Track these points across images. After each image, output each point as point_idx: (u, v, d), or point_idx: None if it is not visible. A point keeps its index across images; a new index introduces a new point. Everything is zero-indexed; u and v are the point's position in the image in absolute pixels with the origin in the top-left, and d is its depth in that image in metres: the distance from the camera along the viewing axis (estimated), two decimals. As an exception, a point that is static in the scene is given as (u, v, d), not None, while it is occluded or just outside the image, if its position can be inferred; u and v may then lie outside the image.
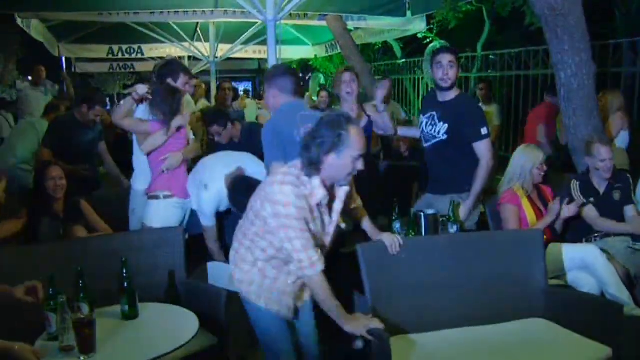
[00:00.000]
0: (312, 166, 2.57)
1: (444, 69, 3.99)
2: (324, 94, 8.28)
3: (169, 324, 2.86)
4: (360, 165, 2.62)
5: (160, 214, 4.05)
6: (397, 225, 3.80)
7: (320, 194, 2.58)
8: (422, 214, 3.66)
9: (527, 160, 4.17)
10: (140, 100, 4.10)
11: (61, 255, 3.28)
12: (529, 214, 4.11)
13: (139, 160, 4.30)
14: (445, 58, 4.00)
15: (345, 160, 2.57)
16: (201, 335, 2.83)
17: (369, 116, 4.50)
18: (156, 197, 4.10)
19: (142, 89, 4.10)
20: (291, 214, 2.49)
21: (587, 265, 3.81)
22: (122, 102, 4.35)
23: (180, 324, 2.79)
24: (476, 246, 3.39)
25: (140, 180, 4.33)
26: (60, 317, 2.44)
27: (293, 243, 2.52)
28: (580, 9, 4.76)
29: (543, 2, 4.73)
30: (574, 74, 4.86)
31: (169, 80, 4.25)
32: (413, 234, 3.64)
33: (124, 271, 2.88)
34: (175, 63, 4.57)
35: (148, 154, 4.11)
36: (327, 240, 2.75)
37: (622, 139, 5.50)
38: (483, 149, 3.90)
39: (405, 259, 3.13)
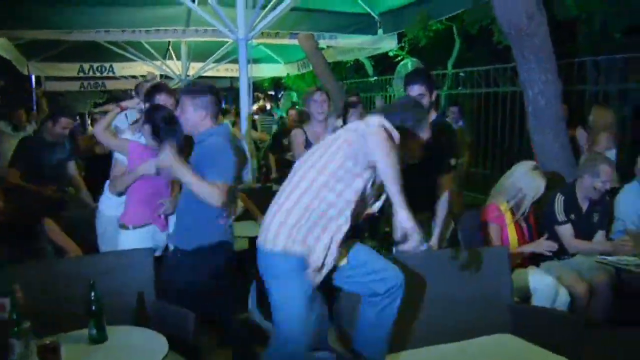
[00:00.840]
0: None
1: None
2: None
3: (138, 346, 2.81)
4: (417, 155, 2.79)
5: (131, 245, 3.83)
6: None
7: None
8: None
9: (529, 188, 3.98)
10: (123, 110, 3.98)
11: (27, 278, 3.21)
12: (512, 234, 3.99)
13: None
14: (414, 91, 3.71)
15: (413, 142, 2.72)
16: (171, 357, 2.79)
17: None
18: (126, 227, 3.86)
19: (132, 102, 4.00)
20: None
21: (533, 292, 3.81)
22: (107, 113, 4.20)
23: (149, 347, 2.74)
24: (444, 263, 3.40)
25: (109, 204, 4.09)
26: (24, 343, 2.38)
27: None
28: (546, 29, 4.86)
29: (510, 23, 4.82)
30: (541, 91, 4.95)
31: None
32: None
33: (92, 294, 2.82)
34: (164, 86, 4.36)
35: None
36: (364, 211, 2.74)
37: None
38: (446, 181, 3.84)
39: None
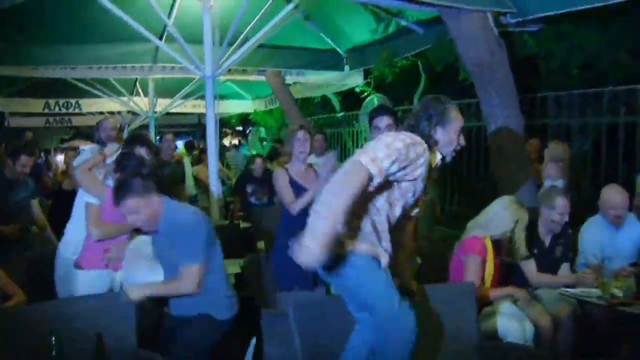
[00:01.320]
0: (424, 139, 2.65)
1: (382, 133, 3.91)
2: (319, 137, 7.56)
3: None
4: (462, 141, 2.81)
5: (85, 285, 3.76)
6: None
7: (437, 156, 2.77)
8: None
9: (510, 221, 3.96)
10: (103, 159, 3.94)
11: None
12: (490, 269, 3.93)
13: (76, 225, 3.94)
14: (382, 122, 3.83)
15: (450, 134, 2.74)
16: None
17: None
18: (80, 268, 3.81)
19: (112, 149, 3.95)
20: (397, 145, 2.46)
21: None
22: (89, 151, 4.14)
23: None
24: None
25: (70, 248, 3.95)
26: None
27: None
28: (507, 66, 5.00)
29: (472, 60, 4.95)
30: (504, 126, 5.06)
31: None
32: None
33: (53, 340, 2.62)
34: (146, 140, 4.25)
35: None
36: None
37: None
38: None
39: (337, 315, 3.07)
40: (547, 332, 3.91)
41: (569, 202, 4.26)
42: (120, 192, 3.17)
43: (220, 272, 3.47)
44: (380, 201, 2.71)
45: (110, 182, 3.70)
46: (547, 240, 4.36)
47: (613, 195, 4.45)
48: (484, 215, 4.06)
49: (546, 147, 5.89)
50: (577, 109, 7.18)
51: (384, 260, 2.75)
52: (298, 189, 4.32)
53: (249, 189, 7.24)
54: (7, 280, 3.83)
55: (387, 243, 2.78)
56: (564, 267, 4.35)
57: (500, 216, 3.98)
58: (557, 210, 4.22)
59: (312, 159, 4.57)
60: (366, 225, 2.73)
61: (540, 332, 3.90)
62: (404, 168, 2.49)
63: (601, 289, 3.81)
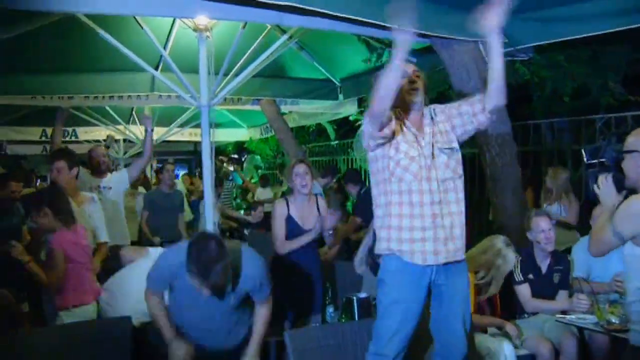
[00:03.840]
0: None
1: None
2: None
3: None
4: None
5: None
6: (330, 309, 3.77)
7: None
8: (354, 298, 3.66)
9: (503, 265, 4.13)
10: None
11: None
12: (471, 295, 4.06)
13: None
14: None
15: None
16: None
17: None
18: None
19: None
20: None
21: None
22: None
23: None
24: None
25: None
26: None
27: None
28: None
29: (465, 88, 4.99)
30: (498, 154, 5.11)
31: None
32: (345, 319, 3.62)
33: None
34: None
35: None
36: None
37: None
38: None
39: (333, 345, 3.07)
40: (545, 358, 3.91)
41: (548, 219, 4.34)
42: None
43: None
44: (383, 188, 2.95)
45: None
46: (543, 266, 4.39)
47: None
48: (476, 255, 4.17)
49: (539, 173, 5.97)
50: (569, 136, 7.25)
51: (419, 257, 2.83)
52: (292, 226, 4.36)
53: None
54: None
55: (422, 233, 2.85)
56: (562, 294, 4.37)
57: (493, 260, 4.13)
58: (536, 230, 4.33)
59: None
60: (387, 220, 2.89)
61: (539, 357, 3.91)
62: None
63: (597, 315, 3.83)
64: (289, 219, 4.39)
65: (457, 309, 2.95)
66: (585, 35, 4.32)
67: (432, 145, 2.91)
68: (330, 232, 4.46)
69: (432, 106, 3.07)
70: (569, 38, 4.45)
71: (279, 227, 4.38)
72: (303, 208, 4.46)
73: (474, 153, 7.71)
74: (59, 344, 3.16)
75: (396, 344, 2.82)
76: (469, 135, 3.04)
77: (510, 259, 4.15)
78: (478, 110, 2.98)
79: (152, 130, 5.49)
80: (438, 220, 2.86)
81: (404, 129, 2.95)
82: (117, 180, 5.65)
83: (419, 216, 2.87)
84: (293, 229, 4.37)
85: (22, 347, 3.19)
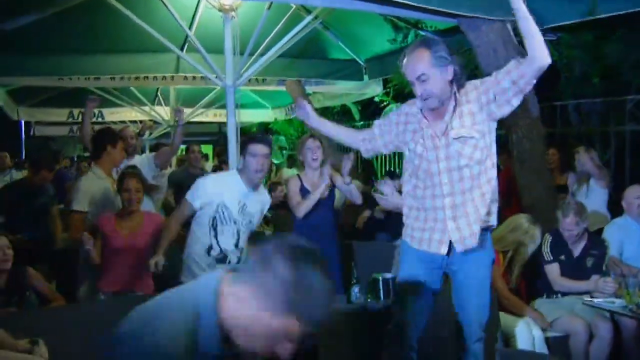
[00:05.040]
0: None
1: None
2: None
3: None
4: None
5: None
6: (355, 289, 3.77)
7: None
8: (379, 278, 3.66)
9: (531, 242, 4.13)
10: None
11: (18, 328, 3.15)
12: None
13: None
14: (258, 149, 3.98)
15: None
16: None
17: (333, 186, 4.60)
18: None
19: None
20: None
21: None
22: None
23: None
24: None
25: None
26: None
27: None
28: (528, 74, 4.97)
29: (493, 69, 4.92)
30: (525, 135, 5.05)
31: None
32: (370, 298, 3.62)
33: None
34: None
35: None
36: None
37: (593, 200, 5.53)
38: None
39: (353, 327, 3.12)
40: (582, 338, 3.90)
41: (574, 219, 4.25)
42: None
43: None
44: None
45: None
46: (576, 249, 4.35)
47: (635, 188, 4.65)
48: (504, 233, 4.16)
49: (565, 156, 5.88)
50: (598, 118, 7.13)
51: (425, 244, 2.92)
52: (306, 195, 4.48)
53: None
54: (46, 285, 3.96)
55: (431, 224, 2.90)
56: (594, 279, 4.29)
57: (517, 237, 4.12)
58: (562, 226, 4.29)
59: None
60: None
61: (574, 337, 3.90)
62: None
63: (626, 299, 3.79)
64: (303, 189, 4.54)
65: (472, 294, 2.98)
66: (616, 13, 4.23)
67: (446, 135, 2.84)
68: (348, 181, 4.55)
69: (467, 85, 2.95)
70: (597, 17, 4.36)
71: (294, 193, 4.58)
72: (314, 181, 4.62)
73: (500, 135, 7.64)
74: (90, 319, 3.23)
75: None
76: (511, 107, 2.84)
77: (537, 237, 4.13)
78: (517, 77, 2.77)
79: (184, 124, 5.48)
80: (447, 212, 2.85)
81: (418, 127, 2.94)
82: (140, 163, 5.69)
83: (423, 210, 2.93)
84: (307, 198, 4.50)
85: (50, 321, 3.27)
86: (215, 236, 3.73)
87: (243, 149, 3.85)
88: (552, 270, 4.30)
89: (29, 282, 3.89)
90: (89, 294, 4.15)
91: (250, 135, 3.29)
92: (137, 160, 5.76)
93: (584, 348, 3.93)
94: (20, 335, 2.93)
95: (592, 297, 4.09)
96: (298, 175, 4.78)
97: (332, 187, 4.62)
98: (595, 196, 5.57)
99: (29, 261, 4.13)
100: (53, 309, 3.76)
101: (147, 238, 4.09)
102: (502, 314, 3.83)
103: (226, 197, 3.71)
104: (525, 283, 4.36)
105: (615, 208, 4.99)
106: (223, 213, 3.70)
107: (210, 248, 3.74)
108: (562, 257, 4.32)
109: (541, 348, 3.79)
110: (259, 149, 3.73)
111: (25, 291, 3.85)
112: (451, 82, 2.85)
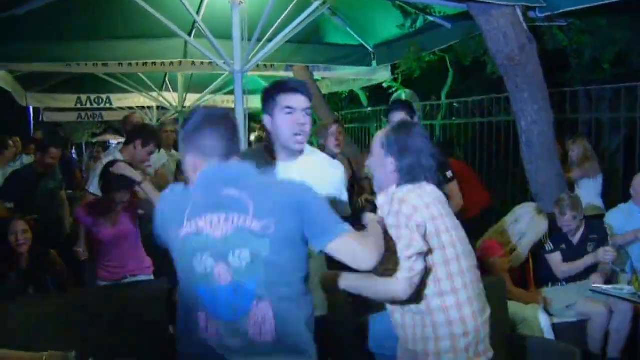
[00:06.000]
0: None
1: None
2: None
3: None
4: None
5: None
6: None
7: None
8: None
9: (534, 234, 4.11)
10: None
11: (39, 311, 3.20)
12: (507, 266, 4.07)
13: None
14: (398, 116, 3.89)
15: None
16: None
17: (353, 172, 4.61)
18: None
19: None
20: None
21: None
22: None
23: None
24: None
25: None
26: None
27: None
28: (537, 60, 4.96)
29: (502, 53, 4.91)
30: (534, 121, 5.03)
31: None
32: None
33: None
34: None
35: None
36: None
37: (586, 191, 5.57)
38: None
39: None
40: (603, 319, 3.92)
41: (571, 215, 4.28)
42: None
43: None
44: None
45: None
46: (575, 237, 4.36)
47: None
48: (508, 224, 4.20)
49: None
50: (608, 104, 7.06)
51: None
52: None
53: None
54: (65, 270, 4.00)
55: None
56: (593, 253, 4.31)
57: (525, 228, 4.10)
58: (561, 223, 4.34)
59: None
60: None
61: (595, 320, 3.92)
62: None
63: (635, 286, 3.79)
64: None
65: None
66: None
67: None
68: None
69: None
70: (609, 2, 4.32)
71: None
72: None
73: (508, 121, 7.60)
74: (95, 304, 3.27)
75: None
76: None
77: (542, 226, 4.11)
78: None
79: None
80: None
81: None
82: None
83: None
84: None
85: (62, 305, 3.30)
86: None
87: (269, 103, 2.73)
88: (554, 260, 4.31)
89: (50, 265, 3.96)
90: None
91: (278, 82, 2.71)
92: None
93: (603, 330, 3.96)
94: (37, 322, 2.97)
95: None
96: None
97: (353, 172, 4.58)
98: (587, 187, 5.58)
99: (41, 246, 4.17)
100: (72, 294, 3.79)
101: (131, 224, 4.08)
102: (510, 302, 3.83)
103: None
104: (534, 271, 4.36)
105: (626, 195, 4.95)
106: None
107: None
108: (563, 245, 4.35)
109: (549, 334, 3.80)
110: (298, 101, 2.64)
111: (45, 274, 3.90)
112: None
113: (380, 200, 2.44)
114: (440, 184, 2.60)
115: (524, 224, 4.10)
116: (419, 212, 2.27)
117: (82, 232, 4.07)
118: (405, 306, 2.35)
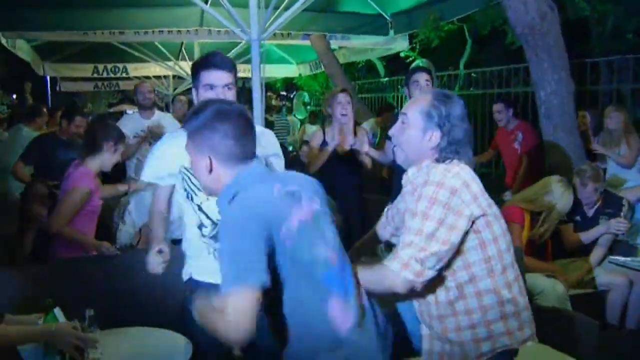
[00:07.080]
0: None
1: (421, 88, 3.95)
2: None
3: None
4: None
5: None
6: (381, 246, 3.77)
7: None
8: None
9: (562, 207, 3.97)
10: None
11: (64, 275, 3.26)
12: (525, 235, 3.98)
13: None
14: (422, 77, 3.99)
15: None
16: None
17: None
18: None
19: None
20: None
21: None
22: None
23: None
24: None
25: None
26: None
27: None
28: (558, 29, 4.88)
29: (522, 22, 4.84)
30: (554, 91, 4.97)
31: None
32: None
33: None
34: None
35: None
36: None
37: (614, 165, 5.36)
38: None
39: None
40: (624, 290, 3.93)
41: (592, 188, 4.23)
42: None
43: None
44: None
45: None
46: (590, 210, 4.33)
47: None
48: (529, 191, 4.10)
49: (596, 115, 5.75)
50: (630, 75, 6.95)
51: None
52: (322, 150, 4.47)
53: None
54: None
55: None
56: (605, 238, 4.25)
57: (549, 199, 3.97)
58: (582, 195, 4.27)
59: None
60: None
61: (616, 291, 3.92)
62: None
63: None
64: (324, 144, 4.49)
65: None
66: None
67: None
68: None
69: None
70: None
71: (312, 148, 4.67)
72: (339, 136, 4.53)
73: (527, 92, 7.52)
74: (96, 272, 3.34)
75: None
76: None
77: (570, 201, 4.04)
78: None
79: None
80: None
81: None
82: (160, 122, 5.65)
83: None
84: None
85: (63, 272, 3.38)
86: (200, 209, 2.64)
87: (194, 79, 2.70)
88: (568, 231, 4.28)
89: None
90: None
91: (201, 58, 2.74)
92: (159, 118, 5.76)
93: (623, 301, 3.96)
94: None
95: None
96: (323, 129, 4.76)
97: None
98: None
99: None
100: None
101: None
102: (527, 273, 3.83)
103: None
104: (552, 244, 4.33)
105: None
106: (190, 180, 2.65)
107: (201, 226, 2.64)
108: (578, 217, 4.31)
109: (565, 304, 3.79)
110: (217, 77, 2.60)
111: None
112: None
113: (410, 172, 2.26)
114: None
115: (556, 196, 4.02)
116: (458, 194, 2.04)
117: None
118: (438, 295, 2.17)
